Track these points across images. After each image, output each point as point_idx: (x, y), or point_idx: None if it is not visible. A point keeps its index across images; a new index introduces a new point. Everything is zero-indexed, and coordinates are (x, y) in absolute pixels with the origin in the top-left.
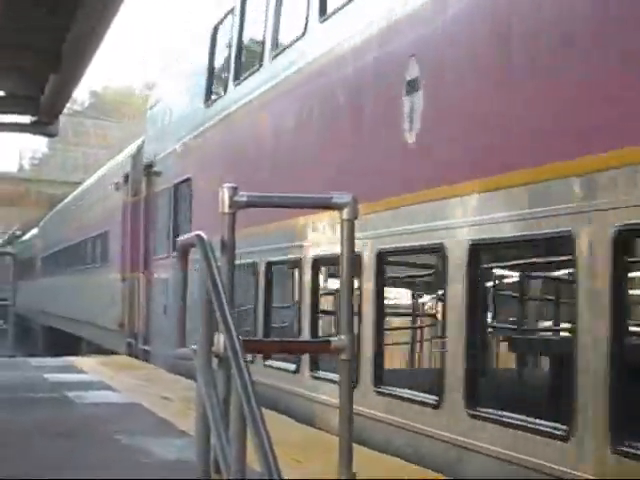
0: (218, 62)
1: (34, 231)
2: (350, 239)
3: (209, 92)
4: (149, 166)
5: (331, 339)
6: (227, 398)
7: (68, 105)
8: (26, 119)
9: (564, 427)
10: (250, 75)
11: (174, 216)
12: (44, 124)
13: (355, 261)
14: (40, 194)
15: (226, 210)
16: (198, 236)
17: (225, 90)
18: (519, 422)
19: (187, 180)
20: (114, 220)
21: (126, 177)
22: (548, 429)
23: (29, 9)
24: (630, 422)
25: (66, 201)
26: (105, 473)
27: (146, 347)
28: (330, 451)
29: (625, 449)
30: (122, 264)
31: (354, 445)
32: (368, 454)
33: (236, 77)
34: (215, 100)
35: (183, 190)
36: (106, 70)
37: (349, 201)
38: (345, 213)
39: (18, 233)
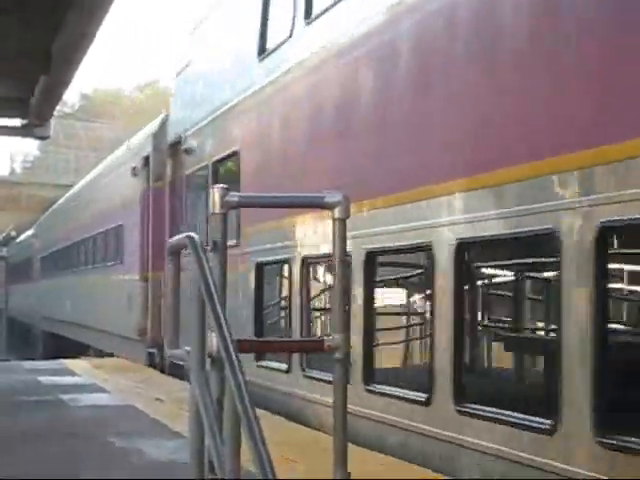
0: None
1: (31, 231)
2: (342, 238)
3: (264, 41)
4: (176, 144)
5: (325, 338)
6: (221, 398)
7: (58, 108)
8: (17, 122)
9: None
10: (334, 5)
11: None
12: (35, 127)
13: (347, 261)
14: (32, 197)
15: (217, 210)
16: (189, 237)
17: (290, 34)
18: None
19: (233, 155)
20: (130, 211)
21: (146, 160)
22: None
23: (18, 10)
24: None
25: (68, 195)
26: (100, 475)
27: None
28: (325, 451)
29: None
30: (142, 262)
31: (349, 445)
32: (363, 453)
33: (308, 13)
34: (274, 50)
35: (227, 167)
36: (96, 72)
37: (341, 200)
38: (337, 212)
39: (13, 234)
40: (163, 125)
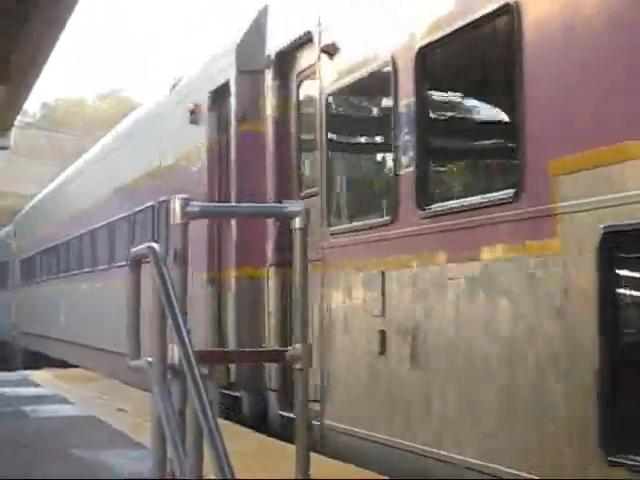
0: None
1: (6, 230)
2: (303, 247)
3: None
4: (297, 48)
5: (287, 348)
6: (183, 409)
7: (19, 117)
8: None
9: None
10: None
11: (420, 122)
12: None
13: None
14: None
15: (178, 221)
16: (150, 247)
17: None
18: None
19: (494, 17)
20: (184, 179)
21: (217, 93)
22: None
23: None
24: None
25: (66, 175)
26: None
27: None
28: (287, 460)
29: None
30: (210, 254)
31: (311, 454)
32: (325, 462)
33: None
34: None
35: (471, 48)
36: (56, 82)
37: (301, 210)
38: (297, 222)
39: None
40: (257, 27)
